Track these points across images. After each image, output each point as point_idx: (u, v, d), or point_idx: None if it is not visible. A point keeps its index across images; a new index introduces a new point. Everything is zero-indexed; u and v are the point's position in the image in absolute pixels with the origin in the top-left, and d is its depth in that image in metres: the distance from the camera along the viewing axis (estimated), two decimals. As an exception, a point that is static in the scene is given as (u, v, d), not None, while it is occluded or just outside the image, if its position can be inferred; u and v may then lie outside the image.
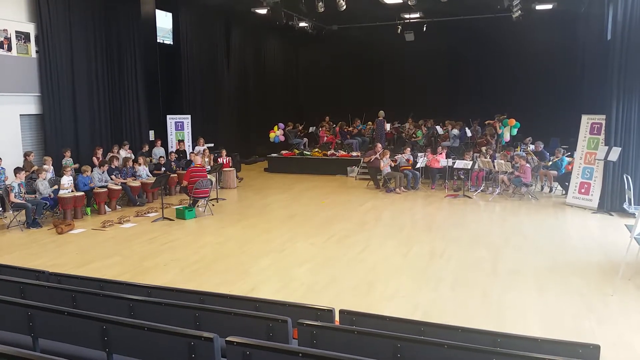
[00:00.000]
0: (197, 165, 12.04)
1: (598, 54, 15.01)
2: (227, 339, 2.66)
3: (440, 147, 15.54)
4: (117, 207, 12.33)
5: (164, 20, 17.67)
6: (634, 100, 11.02)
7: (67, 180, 11.19)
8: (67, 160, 12.49)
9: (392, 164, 14.92)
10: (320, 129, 20.44)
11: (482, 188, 14.33)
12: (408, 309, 6.22)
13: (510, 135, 16.95)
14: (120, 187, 12.32)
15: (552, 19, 19.22)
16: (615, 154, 11.00)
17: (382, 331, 3.13)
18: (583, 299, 6.53)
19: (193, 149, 16.29)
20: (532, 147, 16.07)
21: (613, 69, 11.16)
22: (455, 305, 6.40)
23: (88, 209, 11.73)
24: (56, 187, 11.20)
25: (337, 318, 3.90)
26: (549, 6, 17.58)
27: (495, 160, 13.90)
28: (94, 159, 13.15)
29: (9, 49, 12.17)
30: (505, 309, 6.24)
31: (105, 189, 11.94)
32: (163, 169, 14.05)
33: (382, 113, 17.69)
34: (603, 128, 11.74)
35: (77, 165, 12.53)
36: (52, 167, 11.89)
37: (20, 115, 12.63)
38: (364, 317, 3.80)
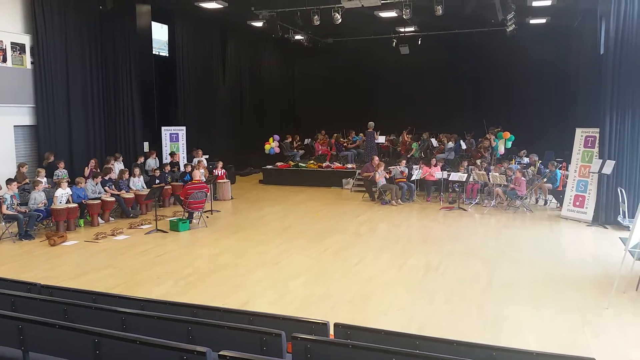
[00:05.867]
0: (195, 180, 11.99)
1: (592, 68, 15.15)
2: (220, 353, 2.63)
3: (434, 160, 15.55)
4: (111, 219, 12.25)
5: (159, 32, 17.74)
6: (627, 113, 11.10)
7: (60, 192, 11.10)
8: (61, 171, 12.43)
9: (387, 176, 14.93)
10: (315, 141, 20.47)
11: (477, 200, 14.35)
12: (403, 322, 6.19)
13: (504, 148, 17.02)
14: (113, 199, 12.26)
15: (546, 33, 19.44)
16: (609, 167, 11.05)
17: (377, 345, 3.10)
18: (578, 312, 6.52)
19: (188, 160, 16.24)
20: (526, 159, 16.15)
21: (606, 83, 11.25)
22: (450, 319, 6.37)
23: (81, 221, 11.65)
24: (46, 202, 11.04)
25: (331, 332, 3.87)
26: (543, 20, 17.77)
27: (489, 173, 13.93)
28: (85, 168, 13.10)
29: (4, 60, 12.16)
30: (501, 322, 6.22)
31: (99, 201, 11.88)
32: (157, 180, 13.98)
33: (371, 124, 17.69)
34: (597, 141, 11.81)
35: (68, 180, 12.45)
36: (45, 179, 11.81)
37: (14, 126, 12.60)
38: (359, 330, 3.77)
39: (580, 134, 12.51)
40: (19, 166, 12.01)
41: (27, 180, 11.77)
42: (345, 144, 19.87)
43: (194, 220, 11.77)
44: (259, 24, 17.35)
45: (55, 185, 11.52)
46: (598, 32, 14.72)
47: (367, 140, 18.02)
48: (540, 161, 15.51)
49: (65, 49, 13.59)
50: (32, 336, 3.21)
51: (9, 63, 12.28)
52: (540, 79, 20.75)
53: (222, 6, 15.08)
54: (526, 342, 5.56)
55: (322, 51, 23.26)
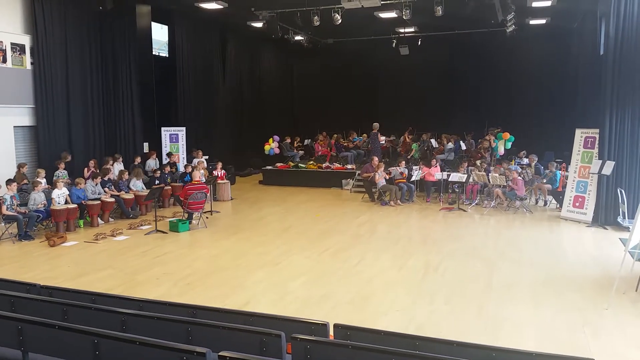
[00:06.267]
0: (195, 181, 11.99)
1: (591, 69, 15.15)
2: (219, 353, 2.63)
3: (434, 160, 15.56)
4: (110, 219, 12.25)
5: (159, 33, 17.73)
6: (626, 114, 11.09)
7: (57, 193, 11.10)
8: (61, 172, 12.44)
9: (387, 177, 14.93)
10: (315, 142, 20.47)
11: (476, 201, 14.35)
12: (403, 323, 6.19)
13: (504, 148, 17.02)
14: (113, 200, 12.26)
15: (545, 33, 19.46)
16: (608, 167, 11.05)
17: (377, 346, 3.10)
18: (578, 312, 6.52)
19: (188, 161, 16.23)
20: (526, 160, 16.15)
21: (606, 84, 11.24)
22: (450, 319, 6.36)
23: (81, 222, 11.65)
24: (45, 203, 11.04)
25: (331, 332, 3.87)
26: (543, 21, 17.78)
27: (489, 174, 13.93)
28: (85, 170, 13.12)
29: (4, 60, 12.16)
30: (501, 323, 6.21)
31: (98, 202, 11.88)
32: (157, 181, 13.98)
33: (376, 125, 17.72)
34: (597, 142, 11.81)
35: (68, 180, 12.42)
36: (45, 179, 11.80)
37: (14, 126, 12.59)
38: (359, 331, 3.77)
39: (580, 134, 12.51)
40: (19, 166, 12.01)
41: (25, 181, 11.75)
42: (346, 145, 19.88)
43: (193, 221, 11.77)
44: (258, 24, 17.35)
45: (53, 185, 11.51)
46: (598, 33, 14.72)
47: (371, 141, 17.99)
48: (535, 161, 15.47)
49: (65, 49, 13.59)
50: (32, 337, 3.21)
51: (8, 63, 12.28)
52: (540, 80, 20.76)
53: (222, 7, 15.08)
54: (526, 343, 5.56)
55: (322, 52, 23.27)
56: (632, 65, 10.89)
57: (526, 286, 7.55)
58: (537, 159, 15.28)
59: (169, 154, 16.06)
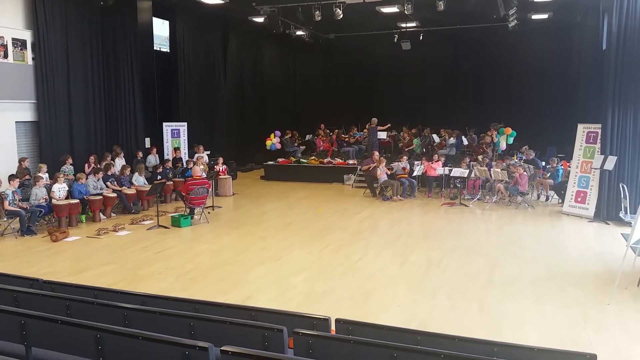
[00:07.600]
0: (195, 177, 11.98)
1: (594, 63, 15.12)
2: (222, 348, 2.63)
3: (436, 155, 15.55)
4: (112, 214, 12.27)
5: (160, 28, 17.70)
6: (629, 109, 11.07)
7: (57, 187, 11.11)
8: (68, 167, 12.47)
9: (389, 172, 14.92)
10: (316, 137, 20.47)
11: (478, 196, 14.33)
12: (404, 318, 6.19)
13: (506, 143, 16.99)
14: (115, 195, 12.27)
15: (547, 28, 19.39)
16: (611, 162, 11.03)
17: (379, 340, 3.11)
18: (580, 308, 6.52)
19: (190, 156, 16.25)
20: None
21: (608, 78, 11.22)
22: (452, 315, 6.37)
23: (83, 217, 11.68)
24: (47, 197, 11.07)
25: (333, 327, 3.87)
26: (545, 16, 17.71)
27: (491, 169, 13.91)
28: (86, 165, 13.14)
29: (5, 56, 12.15)
30: (502, 318, 6.22)
31: (100, 197, 11.89)
32: (159, 177, 13.99)
33: (374, 120, 17.75)
34: (599, 137, 11.79)
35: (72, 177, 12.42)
36: (47, 174, 11.82)
37: (15, 122, 12.59)
38: (360, 326, 3.78)
39: (582, 129, 12.49)
40: (20, 161, 12.00)
41: (27, 176, 11.75)
42: (348, 140, 19.86)
43: (195, 216, 11.79)
44: (260, 19, 17.31)
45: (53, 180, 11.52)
46: (600, 28, 14.67)
47: (370, 135, 18.02)
48: (532, 156, 15.41)
49: (66, 44, 13.57)
50: (35, 332, 3.22)
51: (10, 59, 12.26)
52: (542, 75, 20.69)
53: (223, 1, 15.06)
54: (527, 338, 5.57)
55: (323, 47, 23.22)
56: (634, 60, 10.86)
57: (528, 282, 7.55)
58: (534, 154, 15.25)
59: (176, 149, 16.10)
